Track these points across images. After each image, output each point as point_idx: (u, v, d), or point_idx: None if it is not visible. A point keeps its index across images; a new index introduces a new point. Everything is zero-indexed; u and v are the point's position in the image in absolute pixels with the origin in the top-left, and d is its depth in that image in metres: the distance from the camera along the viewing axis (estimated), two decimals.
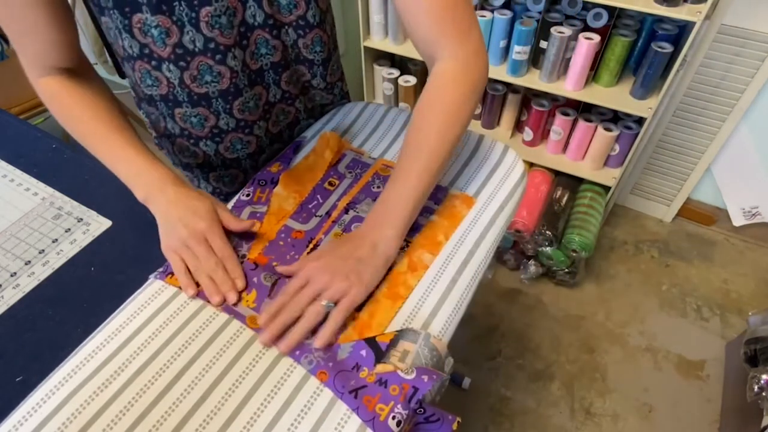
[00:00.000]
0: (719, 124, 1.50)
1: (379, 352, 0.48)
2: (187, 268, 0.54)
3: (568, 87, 1.33)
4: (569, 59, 1.30)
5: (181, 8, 0.55)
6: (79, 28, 0.58)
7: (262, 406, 0.46)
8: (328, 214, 0.63)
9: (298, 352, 0.49)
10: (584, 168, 1.52)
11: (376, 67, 1.67)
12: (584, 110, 1.48)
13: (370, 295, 0.53)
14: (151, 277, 0.55)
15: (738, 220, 1.68)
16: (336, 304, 0.50)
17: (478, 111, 1.62)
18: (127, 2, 0.53)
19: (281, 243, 0.60)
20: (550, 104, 1.47)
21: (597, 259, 1.71)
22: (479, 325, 1.56)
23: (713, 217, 1.75)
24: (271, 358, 0.49)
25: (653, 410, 1.37)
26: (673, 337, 1.52)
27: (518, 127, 1.62)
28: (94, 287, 0.64)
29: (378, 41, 1.55)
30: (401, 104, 1.67)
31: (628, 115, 1.41)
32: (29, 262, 0.67)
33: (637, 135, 1.35)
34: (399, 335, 0.49)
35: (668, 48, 1.18)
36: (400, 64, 1.71)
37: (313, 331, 0.50)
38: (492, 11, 1.33)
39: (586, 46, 1.22)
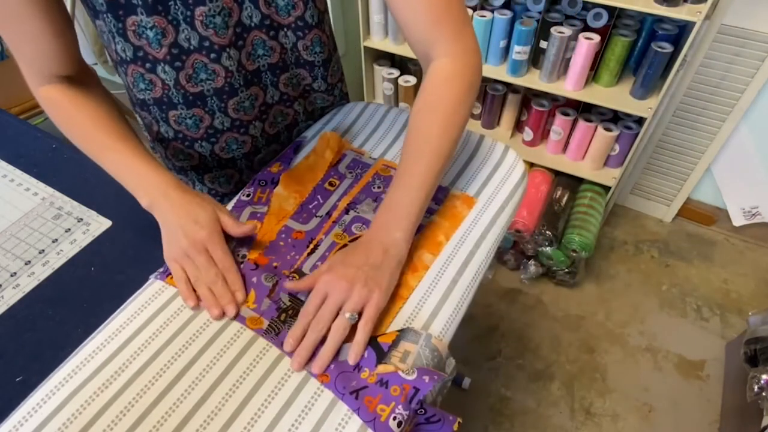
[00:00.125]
0: (719, 124, 1.50)
1: (381, 352, 0.48)
2: (188, 277, 0.53)
3: (568, 87, 1.33)
4: (569, 59, 1.30)
5: (177, 7, 0.55)
6: (79, 28, 0.58)
7: (262, 407, 0.46)
8: (329, 214, 0.63)
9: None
10: (584, 168, 1.52)
11: (376, 67, 1.67)
12: (584, 110, 1.48)
13: None
14: (152, 277, 0.55)
15: (738, 220, 1.68)
16: (359, 314, 0.49)
17: (477, 111, 1.62)
18: (121, 5, 0.53)
19: (282, 243, 0.59)
20: (550, 104, 1.47)
21: (597, 259, 1.71)
22: (479, 325, 1.56)
23: (713, 217, 1.75)
24: (272, 358, 0.49)
25: (653, 410, 1.37)
26: (673, 337, 1.52)
27: (518, 127, 1.62)
28: (94, 287, 0.64)
29: (378, 41, 1.55)
30: (401, 104, 1.67)
31: (628, 115, 1.41)
32: (29, 262, 0.67)
33: (637, 135, 1.35)
34: (400, 336, 0.49)
35: (668, 48, 1.18)
36: (400, 64, 1.71)
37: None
38: (492, 11, 1.32)
39: (586, 46, 1.22)
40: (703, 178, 1.66)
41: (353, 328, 0.49)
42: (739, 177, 1.60)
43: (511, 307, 1.61)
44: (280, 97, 0.71)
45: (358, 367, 0.48)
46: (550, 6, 1.32)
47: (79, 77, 0.60)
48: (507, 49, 1.38)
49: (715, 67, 1.39)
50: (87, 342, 0.50)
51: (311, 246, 0.59)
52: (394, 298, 0.53)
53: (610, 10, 1.21)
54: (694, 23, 1.07)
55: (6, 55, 1.85)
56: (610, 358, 1.48)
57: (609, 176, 1.48)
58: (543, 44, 1.30)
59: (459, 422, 0.45)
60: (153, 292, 0.54)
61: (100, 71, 2.20)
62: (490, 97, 1.53)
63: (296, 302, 0.53)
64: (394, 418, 0.43)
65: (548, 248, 1.49)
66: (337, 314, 0.49)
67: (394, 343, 0.49)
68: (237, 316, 0.52)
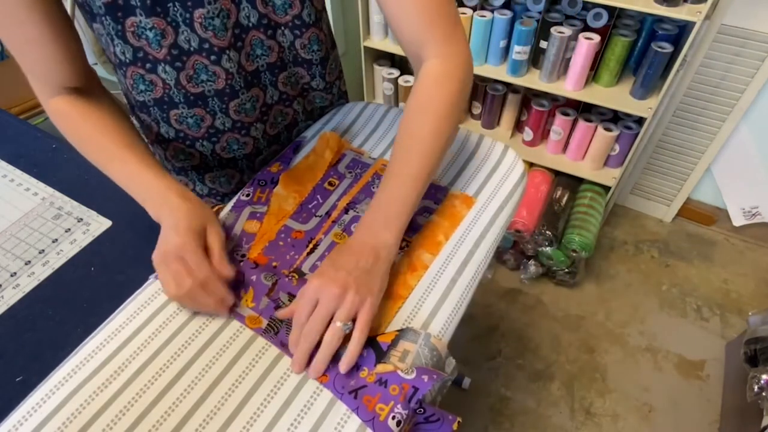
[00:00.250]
0: (719, 124, 1.50)
1: (380, 351, 0.48)
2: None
3: (568, 87, 1.33)
4: (569, 59, 1.30)
5: (175, 9, 0.55)
6: (79, 29, 0.58)
7: (261, 406, 0.46)
8: (328, 214, 0.63)
9: None
10: (584, 168, 1.52)
11: (376, 67, 1.67)
12: (584, 110, 1.48)
13: None
14: (151, 277, 0.55)
15: (738, 220, 1.68)
16: (352, 321, 0.48)
17: (477, 111, 1.62)
18: (120, 7, 0.53)
19: (281, 243, 0.60)
20: (550, 104, 1.47)
21: (597, 259, 1.71)
22: (479, 325, 1.56)
23: (713, 217, 1.75)
24: (271, 358, 0.49)
25: (653, 410, 1.37)
26: (673, 337, 1.52)
27: (518, 127, 1.62)
28: (94, 287, 0.65)
29: (378, 41, 1.55)
30: (401, 104, 1.67)
31: (628, 115, 1.41)
32: (29, 262, 0.67)
33: (637, 135, 1.35)
34: (399, 335, 0.49)
35: (668, 48, 1.18)
36: (400, 64, 1.71)
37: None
38: (492, 11, 1.33)
39: (586, 46, 1.22)
40: (703, 178, 1.66)
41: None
42: (739, 177, 1.60)
43: (511, 307, 1.61)
44: (279, 96, 0.71)
45: (357, 366, 0.48)
46: (550, 6, 1.32)
47: (88, 88, 0.60)
48: (507, 49, 1.38)
49: (715, 67, 1.39)
50: (86, 342, 0.50)
51: (311, 246, 0.59)
52: (393, 297, 0.53)
53: (610, 10, 1.21)
54: (694, 23, 1.07)
55: (6, 55, 1.85)
56: (610, 358, 1.48)
57: (609, 176, 1.48)
58: (543, 44, 1.30)
59: (459, 422, 0.45)
60: (153, 292, 0.54)
61: (101, 71, 2.20)
62: (490, 97, 1.53)
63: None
64: (393, 418, 0.43)
65: (548, 248, 1.49)
66: (330, 320, 0.47)
67: (393, 343, 0.49)
68: (236, 315, 0.52)
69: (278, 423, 0.45)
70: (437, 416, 0.45)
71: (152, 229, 0.57)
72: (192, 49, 0.58)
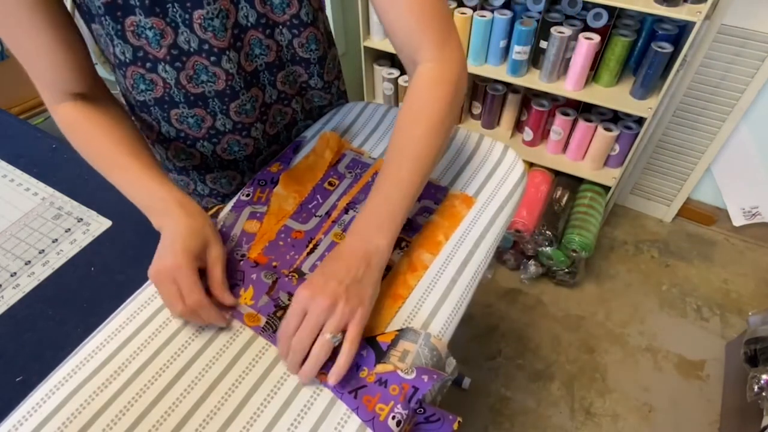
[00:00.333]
0: (719, 124, 1.50)
1: (380, 351, 0.48)
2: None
3: (568, 87, 1.33)
4: (569, 59, 1.30)
5: (175, 9, 0.54)
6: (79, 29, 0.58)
7: (261, 406, 0.46)
8: (328, 214, 0.63)
9: None
10: (584, 168, 1.52)
11: (376, 67, 1.67)
12: (584, 110, 1.48)
13: None
14: None
15: (738, 220, 1.68)
16: (342, 332, 0.46)
17: (477, 111, 1.62)
18: (119, 6, 0.53)
19: (281, 243, 0.60)
20: (550, 104, 1.47)
21: (597, 259, 1.71)
22: (479, 325, 1.56)
23: (713, 217, 1.75)
24: (271, 358, 0.49)
25: (653, 410, 1.37)
26: (673, 337, 1.52)
27: (518, 127, 1.62)
28: (94, 287, 0.65)
29: (378, 41, 1.55)
30: (401, 104, 1.67)
31: (628, 115, 1.41)
32: (29, 262, 0.67)
33: (637, 135, 1.35)
34: (399, 335, 0.49)
35: (668, 48, 1.18)
36: (400, 64, 1.70)
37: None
38: (492, 11, 1.33)
39: (586, 46, 1.22)
40: (703, 178, 1.66)
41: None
42: (739, 177, 1.60)
43: (511, 307, 1.61)
44: (278, 96, 0.71)
45: (357, 366, 0.48)
46: (550, 6, 1.32)
47: (95, 94, 0.60)
48: (507, 49, 1.38)
49: (715, 67, 1.39)
50: (87, 341, 0.50)
51: (311, 246, 0.59)
52: (393, 297, 0.53)
53: (610, 10, 1.21)
54: (694, 23, 1.07)
55: (6, 55, 1.85)
56: (610, 358, 1.48)
57: (609, 176, 1.48)
58: (543, 44, 1.30)
59: (459, 421, 0.45)
60: (153, 291, 0.54)
61: (101, 71, 2.20)
62: (490, 97, 1.53)
63: None
64: (393, 417, 0.43)
65: (548, 248, 1.49)
66: (320, 331, 0.46)
67: (393, 343, 0.49)
68: (235, 313, 0.52)
69: (278, 423, 0.45)
70: (437, 416, 0.45)
71: (152, 229, 0.57)
72: (192, 50, 0.58)
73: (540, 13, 1.31)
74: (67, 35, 0.53)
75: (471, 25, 1.35)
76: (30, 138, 0.86)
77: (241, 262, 0.56)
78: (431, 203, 0.63)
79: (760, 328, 1.23)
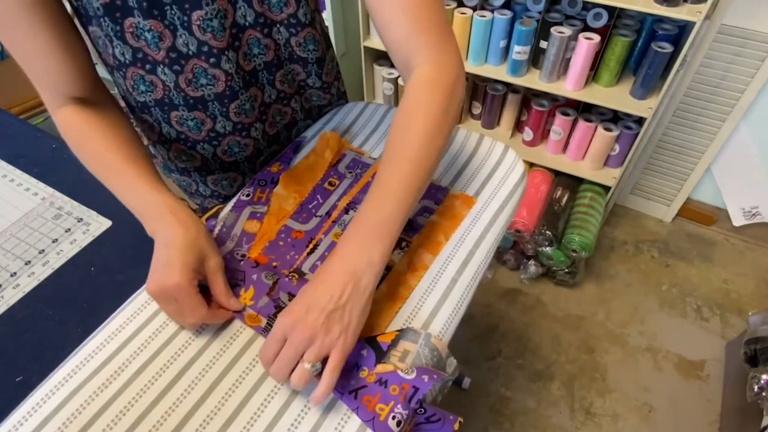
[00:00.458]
0: (719, 124, 1.50)
1: (380, 351, 0.48)
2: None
3: (568, 87, 1.33)
4: (569, 59, 1.30)
5: (173, 12, 0.54)
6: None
7: (262, 406, 0.46)
8: (328, 214, 0.63)
9: None
10: (584, 168, 1.52)
11: (376, 67, 1.67)
12: (584, 110, 1.48)
13: None
14: None
15: (738, 220, 1.68)
16: (325, 359, 0.44)
17: (477, 111, 1.62)
18: (118, 8, 0.52)
19: (281, 243, 0.60)
20: (550, 104, 1.47)
21: (597, 259, 1.71)
22: (479, 325, 1.56)
23: (713, 217, 1.75)
24: None
25: (653, 410, 1.37)
26: (673, 337, 1.52)
27: (518, 127, 1.62)
28: (94, 287, 0.65)
29: (378, 41, 1.55)
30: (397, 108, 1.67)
31: (628, 115, 1.41)
32: (29, 262, 0.67)
33: (637, 135, 1.35)
34: (399, 335, 0.49)
35: (668, 48, 1.18)
36: None
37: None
38: (492, 11, 1.33)
39: (586, 46, 1.22)
40: (703, 178, 1.66)
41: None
42: (739, 177, 1.60)
43: (511, 307, 1.61)
44: (277, 95, 0.71)
45: (357, 366, 0.48)
46: (550, 6, 1.32)
47: (95, 98, 0.59)
48: (507, 49, 1.38)
49: (715, 67, 1.39)
50: (87, 342, 0.50)
51: (311, 246, 0.59)
52: (393, 297, 0.53)
53: (610, 10, 1.21)
54: (694, 23, 1.07)
55: (6, 55, 1.85)
56: (610, 358, 1.48)
57: (609, 176, 1.48)
58: (543, 44, 1.30)
59: (460, 422, 0.45)
60: None
61: (101, 72, 2.20)
62: (490, 97, 1.53)
63: None
64: (393, 417, 0.43)
65: (548, 248, 1.49)
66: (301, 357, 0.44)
67: (394, 343, 0.49)
68: (235, 313, 0.52)
69: (278, 423, 0.45)
70: (438, 416, 0.45)
71: None
72: (191, 52, 0.58)
73: (540, 13, 1.31)
74: (67, 38, 0.53)
75: (471, 25, 1.35)
76: (30, 138, 0.86)
77: (242, 262, 0.56)
78: (431, 203, 0.63)
79: (760, 328, 1.23)
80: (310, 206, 0.64)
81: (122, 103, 0.70)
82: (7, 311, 0.61)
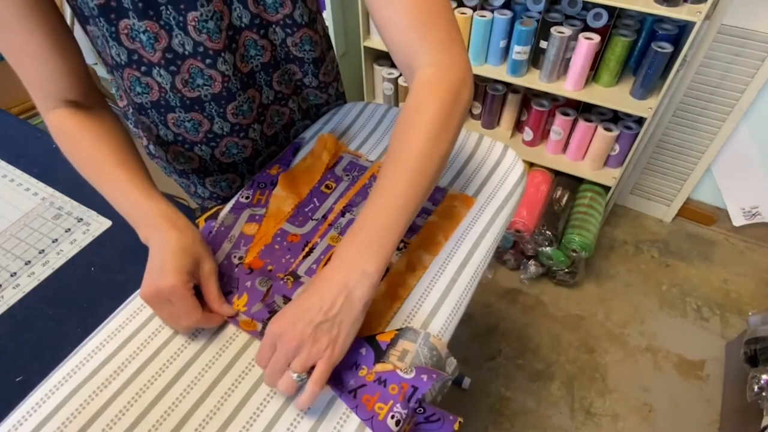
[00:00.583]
0: (719, 124, 1.50)
1: (379, 351, 0.48)
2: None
3: (568, 87, 1.33)
4: (569, 59, 1.30)
5: (168, 12, 0.54)
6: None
7: (261, 406, 0.46)
8: (325, 217, 0.63)
9: None
10: (584, 168, 1.52)
11: (376, 67, 1.67)
12: (584, 110, 1.48)
13: None
14: None
15: (738, 220, 1.68)
16: (311, 369, 0.44)
17: (477, 111, 1.62)
18: (112, 9, 0.52)
19: (277, 247, 0.60)
20: (550, 104, 1.47)
21: (597, 259, 1.71)
22: (479, 325, 1.56)
23: (713, 217, 1.75)
24: None
25: (653, 410, 1.37)
26: (673, 337, 1.52)
27: (518, 127, 1.62)
28: (94, 287, 0.65)
29: (378, 41, 1.55)
30: (401, 104, 1.67)
31: (628, 115, 1.41)
32: (29, 262, 0.67)
33: (637, 135, 1.35)
34: (399, 334, 0.49)
35: (668, 48, 1.18)
36: None
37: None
38: (492, 11, 1.33)
39: (586, 46, 1.22)
40: (703, 178, 1.66)
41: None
42: (739, 177, 1.60)
43: (511, 307, 1.61)
44: (274, 96, 0.71)
45: (356, 365, 0.48)
46: (550, 6, 1.32)
47: (88, 102, 0.59)
48: (507, 49, 1.38)
49: (715, 67, 1.39)
50: (86, 342, 0.50)
51: (306, 249, 0.59)
52: (392, 297, 0.54)
53: (610, 10, 1.21)
54: (694, 23, 1.07)
55: None
56: (610, 358, 1.48)
57: (609, 176, 1.48)
58: (543, 44, 1.30)
59: (460, 422, 0.45)
60: None
61: (101, 71, 2.20)
62: (490, 97, 1.53)
63: None
64: (392, 417, 0.43)
65: (548, 248, 1.49)
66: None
67: (393, 342, 0.49)
68: (230, 319, 0.52)
69: (278, 423, 0.45)
70: (438, 416, 0.45)
71: None
72: (186, 53, 0.57)
73: (540, 13, 1.31)
74: (60, 40, 0.52)
75: (471, 25, 1.35)
76: (30, 138, 0.86)
77: (236, 269, 0.56)
78: (430, 204, 0.63)
79: (760, 328, 1.23)
80: (306, 209, 0.64)
81: (125, 102, 0.71)
82: (7, 311, 0.62)
